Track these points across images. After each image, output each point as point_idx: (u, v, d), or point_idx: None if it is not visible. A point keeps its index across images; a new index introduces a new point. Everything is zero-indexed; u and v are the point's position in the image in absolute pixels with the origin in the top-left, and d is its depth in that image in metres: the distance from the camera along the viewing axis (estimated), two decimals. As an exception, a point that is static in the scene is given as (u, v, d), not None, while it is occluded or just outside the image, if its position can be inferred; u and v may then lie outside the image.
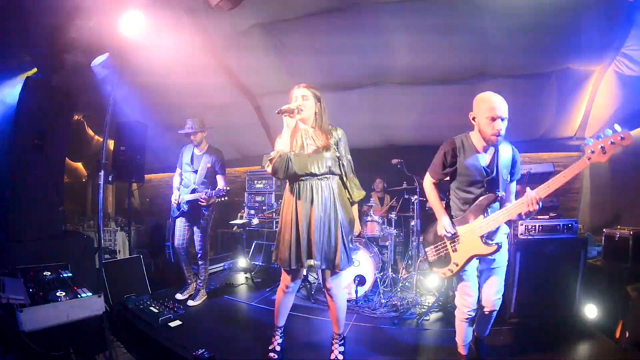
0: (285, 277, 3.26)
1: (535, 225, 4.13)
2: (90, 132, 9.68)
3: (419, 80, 6.16)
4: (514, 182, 2.88)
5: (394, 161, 5.40)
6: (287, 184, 3.24)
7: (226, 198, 4.56)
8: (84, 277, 3.88)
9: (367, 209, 5.90)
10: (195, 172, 4.85)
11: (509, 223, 2.89)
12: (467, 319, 2.94)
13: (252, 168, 8.08)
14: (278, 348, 3.36)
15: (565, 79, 5.70)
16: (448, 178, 3.02)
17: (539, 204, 2.48)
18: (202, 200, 4.62)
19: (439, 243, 3.00)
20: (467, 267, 2.85)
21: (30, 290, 3.11)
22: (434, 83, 6.15)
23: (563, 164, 7.03)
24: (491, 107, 2.62)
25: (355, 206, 3.31)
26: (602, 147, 2.34)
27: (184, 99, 7.17)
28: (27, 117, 4.32)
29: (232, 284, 5.80)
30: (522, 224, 4.08)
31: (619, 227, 4.57)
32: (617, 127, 2.34)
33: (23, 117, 4.29)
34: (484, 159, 2.79)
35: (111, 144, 6.89)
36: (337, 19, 5.17)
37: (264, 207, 7.00)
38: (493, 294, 2.87)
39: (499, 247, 2.72)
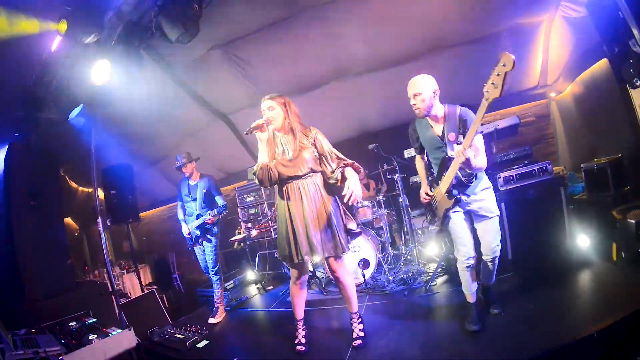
0: (293, 272, 3.62)
1: (512, 175, 4.48)
2: (74, 184, 9.77)
3: (378, 66, 6.47)
4: (478, 138, 3.05)
5: (370, 146, 5.69)
6: (277, 188, 3.55)
7: (227, 211, 5.18)
8: (106, 320, 4.13)
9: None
10: (195, 200, 5.27)
11: (491, 179, 3.39)
12: (467, 267, 3.29)
13: (239, 184, 8.40)
14: (303, 340, 3.71)
15: (517, 34, 6.00)
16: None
17: (465, 155, 2.76)
18: (208, 221, 5.09)
19: (430, 206, 3.44)
20: (453, 222, 3.26)
21: (63, 341, 3.35)
22: (393, 66, 6.44)
23: (533, 113, 7.48)
24: (408, 89, 3.15)
25: (353, 174, 3.33)
26: (492, 82, 2.52)
27: (161, 132, 7.43)
28: (18, 181, 4.60)
29: (246, 296, 6.06)
30: (499, 177, 4.45)
31: (595, 159, 4.90)
32: (500, 55, 2.49)
33: (14, 183, 4.55)
34: (437, 129, 3.20)
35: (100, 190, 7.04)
36: (289, 27, 5.45)
37: (259, 218, 7.27)
38: (489, 242, 3.24)
39: (457, 199, 3.12)
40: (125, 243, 10.26)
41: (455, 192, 3.14)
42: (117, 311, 4.81)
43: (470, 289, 3.41)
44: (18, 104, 5.22)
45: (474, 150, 2.90)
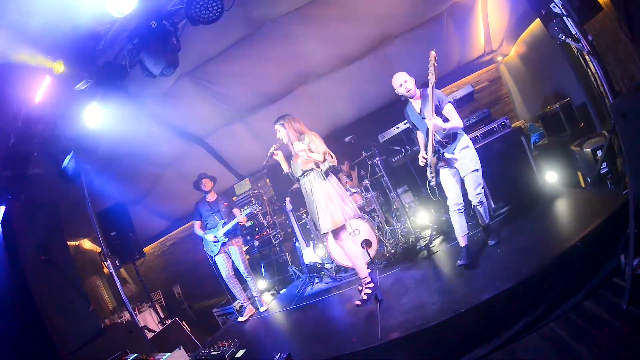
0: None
1: (477, 135, 5.12)
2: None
3: (337, 66, 6.98)
4: (446, 107, 3.94)
5: (347, 139, 6.19)
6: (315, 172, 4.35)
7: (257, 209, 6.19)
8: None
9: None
10: (218, 212, 5.92)
11: (473, 139, 4.52)
12: (455, 210, 4.14)
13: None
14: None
15: (456, 12, 6.65)
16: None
17: (430, 122, 3.70)
18: (243, 218, 5.86)
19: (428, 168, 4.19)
20: (441, 177, 4.15)
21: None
22: (351, 63, 6.97)
23: (486, 79, 8.17)
24: (396, 79, 4.04)
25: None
26: (430, 72, 3.61)
27: (142, 169, 7.61)
28: (24, 240, 4.65)
29: (265, 303, 6.31)
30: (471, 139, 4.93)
31: (548, 107, 5.44)
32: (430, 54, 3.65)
33: (20, 242, 4.61)
34: (417, 107, 4.10)
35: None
36: (250, 43, 5.83)
37: (256, 229, 7.58)
38: (472, 191, 4.12)
39: (439, 156, 3.98)
40: (125, 287, 10.20)
41: (439, 151, 3.99)
42: (148, 345, 4.91)
43: (460, 231, 4.19)
44: (2, 163, 5.26)
45: (447, 115, 3.90)
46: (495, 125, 5.08)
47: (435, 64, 3.61)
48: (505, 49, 7.57)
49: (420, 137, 4.32)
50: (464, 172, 4.07)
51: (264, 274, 7.42)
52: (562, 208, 4.54)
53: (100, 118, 4.79)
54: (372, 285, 4.24)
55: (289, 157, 4.59)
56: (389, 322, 3.67)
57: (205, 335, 6.23)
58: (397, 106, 4.55)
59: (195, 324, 7.88)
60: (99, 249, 4.83)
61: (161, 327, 6.55)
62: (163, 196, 8.57)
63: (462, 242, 4.20)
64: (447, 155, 4.03)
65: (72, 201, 5.97)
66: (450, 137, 4.04)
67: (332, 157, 4.20)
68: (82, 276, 10.97)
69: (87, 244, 10.01)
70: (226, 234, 5.76)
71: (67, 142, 5.22)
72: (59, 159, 5.28)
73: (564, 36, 3.98)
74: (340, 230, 4.31)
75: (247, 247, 7.35)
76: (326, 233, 4.36)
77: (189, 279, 9.35)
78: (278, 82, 6.93)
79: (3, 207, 4.78)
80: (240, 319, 5.91)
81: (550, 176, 5.05)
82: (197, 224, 6.00)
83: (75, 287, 5.00)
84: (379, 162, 6.12)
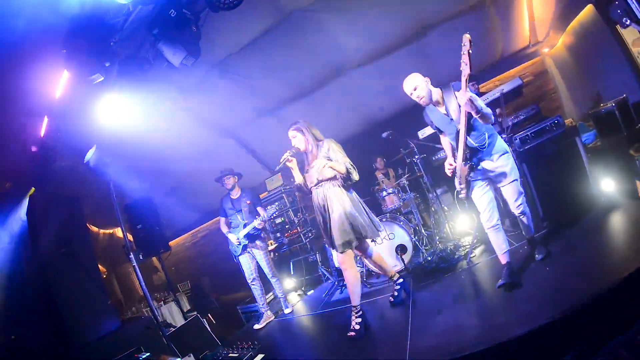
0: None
1: (526, 135, 4.45)
2: (94, 228, 9.72)
3: (372, 58, 6.43)
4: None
5: (384, 134, 5.64)
6: (332, 183, 3.98)
7: (276, 214, 5.62)
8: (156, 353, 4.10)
9: (379, 187, 6.16)
10: (240, 211, 5.52)
11: (508, 142, 3.74)
12: (489, 228, 3.56)
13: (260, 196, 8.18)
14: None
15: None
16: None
17: (465, 95, 3.00)
18: (260, 223, 5.30)
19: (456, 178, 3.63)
20: (473, 190, 3.55)
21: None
22: (386, 54, 6.42)
23: (531, 72, 7.44)
24: (404, 87, 3.52)
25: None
26: (463, 62, 2.91)
27: (173, 161, 7.37)
28: (45, 232, 4.50)
29: (290, 304, 5.96)
30: (515, 139, 4.44)
31: (601, 104, 4.81)
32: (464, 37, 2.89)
33: (41, 234, 4.47)
34: (442, 110, 3.49)
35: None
36: (280, 33, 5.42)
37: (286, 226, 7.20)
38: (512, 202, 3.54)
39: (471, 165, 3.39)
40: (155, 276, 10.21)
41: (472, 159, 3.38)
42: (165, 342, 4.71)
43: (499, 249, 3.60)
44: (28, 158, 5.18)
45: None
46: (548, 123, 4.41)
47: (470, 51, 2.87)
48: (552, 39, 6.86)
49: (446, 142, 3.77)
50: (502, 182, 3.47)
51: (292, 272, 7.03)
52: (621, 223, 3.84)
53: (122, 111, 4.55)
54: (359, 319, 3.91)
55: (301, 165, 4.20)
56: (419, 343, 3.19)
57: (229, 331, 5.97)
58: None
59: (221, 318, 7.64)
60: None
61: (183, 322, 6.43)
62: (194, 189, 8.33)
63: (503, 260, 3.59)
64: (482, 164, 3.42)
65: (103, 191, 5.59)
66: (483, 138, 3.35)
67: (354, 168, 3.85)
68: (113, 264, 11.22)
69: (119, 232, 10.06)
70: (247, 236, 5.38)
71: (91, 136, 5.06)
72: (84, 152, 5.12)
73: (628, 20, 3.39)
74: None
75: (276, 244, 7.04)
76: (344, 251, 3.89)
77: (218, 272, 9.07)
78: (309, 75, 6.47)
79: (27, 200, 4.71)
80: (257, 326, 5.47)
81: (607, 184, 4.36)
82: (222, 220, 5.68)
83: (95, 281, 4.87)
84: (418, 160, 5.61)
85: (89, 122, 4.86)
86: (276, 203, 5.70)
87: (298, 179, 4.13)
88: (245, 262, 5.51)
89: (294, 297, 6.44)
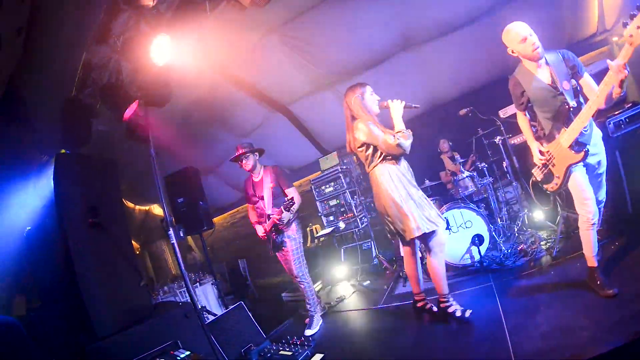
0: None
1: (621, 120, 3.63)
2: (130, 204, 8.95)
3: (446, 29, 5.37)
4: (585, 76, 2.75)
5: (463, 111, 4.75)
6: (383, 166, 3.15)
7: (294, 209, 3.99)
8: (192, 345, 3.15)
9: (448, 173, 5.14)
10: (262, 198, 4.16)
11: (601, 127, 3.12)
12: (592, 225, 2.75)
13: (313, 175, 7.24)
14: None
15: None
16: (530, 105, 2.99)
17: (626, 69, 2.28)
18: (278, 222, 3.99)
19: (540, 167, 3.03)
20: (576, 177, 2.75)
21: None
22: (462, 27, 5.34)
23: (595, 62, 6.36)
24: (515, 32, 2.73)
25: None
26: (638, 26, 2.12)
27: (216, 134, 6.65)
28: (71, 197, 3.47)
29: (342, 296, 4.97)
30: (608, 123, 3.65)
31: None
32: None
33: (66, 199, 3.45)
34: (544, 78, 2.77)
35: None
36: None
37: (342, 209, 6.15)
38: (598, 198, 2.91)
39: (587, 151, 2.67)
40: (189, 255, 9.41)
41: (581, 143, 2.69)
42: (205, 334, 3.70)
43: (593, 250, 2.81)
44: (62, 116, 4.30)
45: (586, 88, 2.72)
46: (643, 108, 3.52)
47: None
48: (621, 28, 5.66)
49: (525, 122, 3.11)
50: (595, 170, 2.85)
51: (343, 259, 5.98)
52: None
53: (170, 54, 3.61)
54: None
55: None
56: (523, 347, 2.45)
57: (266, 318, 4.96)
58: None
59: (257, 302, 6.78)
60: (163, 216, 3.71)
61: (223, 309, 5.47)
62: (237, 166, 7.41)
63: (594, 262, 2.80)
64: (591, 150, 2.72)
65: (142, 163, 4.85)
66: (587, 124, 2.65)
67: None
68: (148, 240, 10.48)
69: (156, 209, 9.29)
70: (273, 230, 4.10)
71: (134, 92, 4.13)
72: (124, 111, 4.18)
73: None
74: None
75: (331, 228, 6.00)
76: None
77: (256, 254, 8.07)
78: (377, 45, 5.43)
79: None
80: (308, 332, 4.12)
81: None
82: (250, 208, 4.44)
83: (126, 258, 3.86)
84: (499, 142, 4.62)
85: (133, 74, 4.12)
86: (292, 209, 4.20)
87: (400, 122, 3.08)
88: (283, 260, 4.34)
89: (347, 287, 5.37)
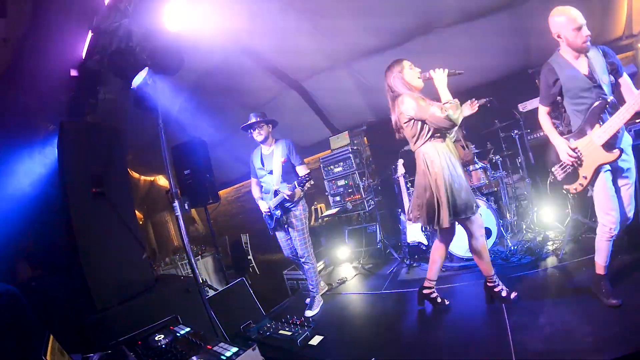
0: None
1: None
2: (135, 174, 8.88)
3: (471, 15, 5.04)
4: (625, 76, 2.59)
5: (482, 101, 4.46)
6: (430, 143, 2.97)
7: (311, 183, 3.73)
8: (190, 319, 3.01)
9: (464, 161, 5.02)
10: (271, 172, 4.01)
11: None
12: (611, 237, 2.60)
13: (323, 154, 7.04)
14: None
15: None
16: (559, 98, 2.76)
17: None
18: (287, 197, 3.81)
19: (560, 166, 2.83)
20: (603, 181, 2.57)
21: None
22: (486, 15, 5.02)
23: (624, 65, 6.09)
24: (572, 18, 2.50)
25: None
26: None
27: (226, 106, 6.45)
28: (75, 166, 3.34)
29: (344, 278, 4.88)
30: (629, 130, 3.39)
31: None
32: None
33: (70, 168, 3.33)
34: (581, 68, 2.57)
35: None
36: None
37: (349, 190, 6.03)
38: (626, 206, 2.67)
39: (622, 151, 2.48)
40: (192, 227, 9.39)
41: (618, 145, 2.51)
42: (206, 310, 3.63)
43: (606, 260, 2.68)
44: (69, 84, 4.16)
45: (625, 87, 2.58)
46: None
47: None
48: None
49: (547, 117, 2.84)
50: (623, 181, 2.65)
51: (347, 241, 5.89)
52: None
53: (183, 20, 3.54)
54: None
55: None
56: (524, 347, 2.40)
57: (266, 294, 4.96)
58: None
59: (257, 278, 6.80)
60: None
61: (223, 283, 5.46)
62: (246, 139, 7.25)
63: (603, 270, 2.69)
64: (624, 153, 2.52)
65: (149, 133, 4.90)
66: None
67: None
68: (152, 211, 10.44)
69: (161, 180, 9.21)
70: (279, 207, 3.96)
71: (144, 58, 3.96)
72: (132, 79, 4.02)
73: None
74: None
75: (337, 209, 5.89)
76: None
77: (259, 229, 8.03)
78: (397, 26, 5.14)
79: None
80: (309, 313, 4.03)
81: None
82: (253, 182, 4.31)
83: (130, 230, 3.74)
84: (516, 136, 4.46)
85: (143, 40, 3.93)
86: (306, 185, 4.01)
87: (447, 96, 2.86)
88: (282, 238, 4.21)
89: (349, 269, 5.29)
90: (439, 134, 2.96)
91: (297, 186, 3.72)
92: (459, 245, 4.09)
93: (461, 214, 2.87)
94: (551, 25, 2.60)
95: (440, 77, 2.88)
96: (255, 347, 2.12)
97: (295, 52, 5.48)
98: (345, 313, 3.92)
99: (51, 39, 3.65)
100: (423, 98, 2.90)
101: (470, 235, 3.02)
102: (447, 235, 3.25)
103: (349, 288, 4.58)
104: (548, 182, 4.09)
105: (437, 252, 3.29)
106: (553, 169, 2.88)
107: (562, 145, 2.70)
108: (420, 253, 4.56)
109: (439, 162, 2.89)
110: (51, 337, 1.82)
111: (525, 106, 4.83)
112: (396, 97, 3.02)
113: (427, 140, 2.95)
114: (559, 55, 2.67)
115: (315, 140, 7.52)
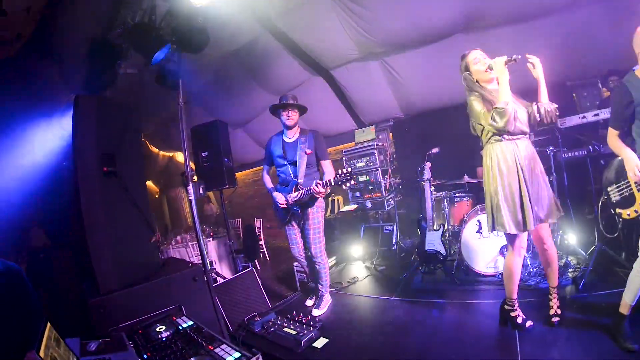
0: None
1: None
2: (154, 149, 8.82)
3: (516, 18, 4.64)
4: None
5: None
6: (490, 145, 2.75)
7: (352, 183, 3.40)
8: (194, 307, 3.04)
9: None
10: (293, 164, 3.68)
11: None
12: None
13: (346, 146, 6.85)
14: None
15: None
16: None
17: None
18: (320, 192, 3.45)
19: (623, 182, 2.58)
20: None
21: (145, 356, 2.12)
22: (535, 19, 4.59)
23: None
24: None
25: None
26: None
27: (250, 89, 6.25)
28: (87, 143, 3.17)
29: (356, 278, 4.71)
30: None
31: None
32: None
33: (82, 144, 3.17)
34: None
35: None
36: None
37: (370, 187, 5.79)
38: None
39: None
40: (207, 206, 9.33)
41: None
42: (212, 301, 3.49)
43: (635, 299, 2.43)
44: (90, 56, 4.01)
45: None
46: None
47: None
48: None
49: (615, 138, 2.55)
50: None
51: (361, 237, 5.66)
52: None
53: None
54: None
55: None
56: None
57: (273, 284, 4.93)
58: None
59: (267, 265, 6.75)
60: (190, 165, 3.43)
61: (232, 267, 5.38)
62: (268, 123, 6.73)
63: (627, 310, 2.45)
64: None
65: (170, 110, 4.93)
66: None
67: None
68: (168, 186, 10.41)
69: (180, 156, 9.17)
70: (297, 203, 3.69)
71: (167, 35, 3.76)
72: (154, 55, 3.83)
73: None
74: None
75: (356, 205, 5.69)
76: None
77: (272, 215, 7.98)
78: (435, 20, 4.80)
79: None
80: (315, 312, 3.83)
81: None
82: (265, 170, 4.07)
83: (140, 211, 3.61)
84: (551, 153, 4.13)
85: (167, 15, 3.74)
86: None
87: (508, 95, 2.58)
88: (292, 235, 3.90)
89: (360, 269, 5.09)
90: (499, 137, 2.70)
91: (332, 184, 3.40)
92: (477, 260, 3.91)
93: (503, 227, 2.66)
94: (634, 41, 2.39)
95: (499, 69, 2.59)
96: (259, 356, 1.97)
97: (327, 39, 5.26)
98: (352, 317, 3.72)
99: (74, 9, 3.52)
100: (480, 101, 2.68)
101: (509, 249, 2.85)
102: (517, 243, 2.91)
103: (359, 289, 4.40)
104: (600, 201, 3.77)
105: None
106: (609, 189, 2.68)
107: (633, 159, 2.44)
108: (434, 261, 4.31)
109: (492, 168, 2.72)
110: (48, 326, 1.67)
111: (564, 122, 4.47)
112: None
113: (487, 142, 2.77)
114: (634, 75, 2.43)
115: (339, 131, 7.28)
